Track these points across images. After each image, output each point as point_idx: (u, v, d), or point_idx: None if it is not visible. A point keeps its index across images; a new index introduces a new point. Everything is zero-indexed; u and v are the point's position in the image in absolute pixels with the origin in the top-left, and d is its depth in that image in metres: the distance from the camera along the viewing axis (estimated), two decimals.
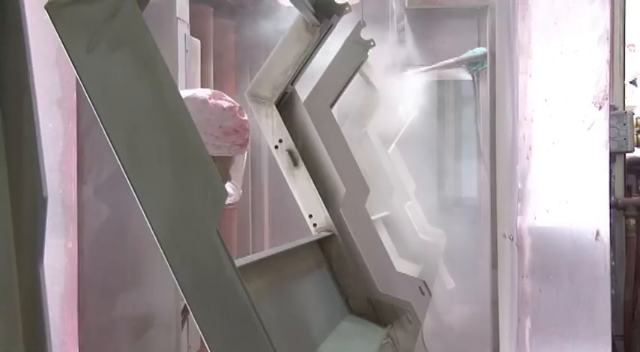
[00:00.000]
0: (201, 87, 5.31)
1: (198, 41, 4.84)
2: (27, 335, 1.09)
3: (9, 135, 1.12)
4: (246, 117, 3.18)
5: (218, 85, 6.13)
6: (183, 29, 4.13)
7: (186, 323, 3.26)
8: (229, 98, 3.19)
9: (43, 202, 1.12)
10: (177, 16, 3.45)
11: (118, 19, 1.32)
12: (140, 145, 1.38)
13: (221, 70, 6.22)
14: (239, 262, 2.17)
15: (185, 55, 4.34)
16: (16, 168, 1.12)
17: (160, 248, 1.39)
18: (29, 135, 1.12)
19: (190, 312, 1.40)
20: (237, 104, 3.15)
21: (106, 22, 1.32)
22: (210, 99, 3.02)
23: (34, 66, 1.20)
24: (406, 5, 7.43)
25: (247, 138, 3.14)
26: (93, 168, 2.35)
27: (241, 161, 3.33)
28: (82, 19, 1.34)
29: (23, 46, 1.13)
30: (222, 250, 1.40)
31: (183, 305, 3.07)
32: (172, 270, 1.37)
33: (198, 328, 1.39)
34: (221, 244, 1.39)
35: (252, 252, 6.19)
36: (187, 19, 4.26)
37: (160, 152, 1.38)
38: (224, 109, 2.99)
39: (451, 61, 6.94)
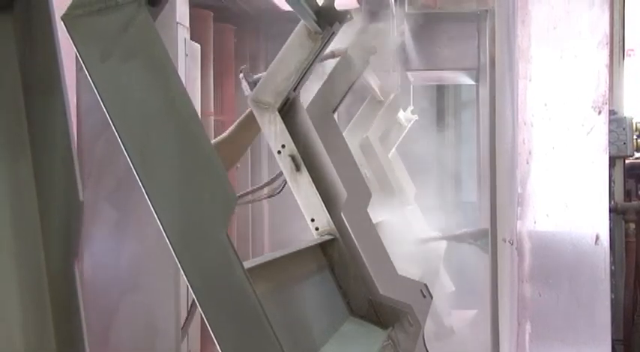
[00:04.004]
0: (201, 91, 5.32)
1: (198, 46, 4.84)
2: (59, 332, 1.12)
3: (41, 140, 1.15)
4: None
5: (218, 89, 6.15)
6: (183, 34, 4.13)
7: (187, 325, 3.27)
8: None
9: (78, 206, 1.14)
10: (177, 20, 3.46)
11: (131, 30, 1.37)
12: (152, 150, 1.42)
13: (221, 75, 6.24)
14: (244, 265, 2.19)
15: (185, 60, 4.34)
16: (49, 172, 1.15)
17: (171, 249, 1.42)
18: (62, 140, 1.15)
19: (201, 312, 1.43)
20: None
21: (119, 32, 1.36)
22: None
23: None
24: (406, 10, 7.44)
25: None
26: (93, 173, 2.37)
27: None
28: (96, 30, 1.39)
29: (54, 47, 1.16)
30: (232, 252, 1.44)
31: (191, 303, 3.08)
32: (184, 271, 1.42)
33: (209, 327, 1.42)
34: (230, 246, 1.43)
35: (252, 257, 6.19)
36: (187, 24, 4.27)
37: (171, 157, 1.43)
38: None
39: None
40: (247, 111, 3.10)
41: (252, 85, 3.62)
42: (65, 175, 1.16)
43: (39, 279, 1.12)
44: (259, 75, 3.74)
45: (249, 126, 3.12)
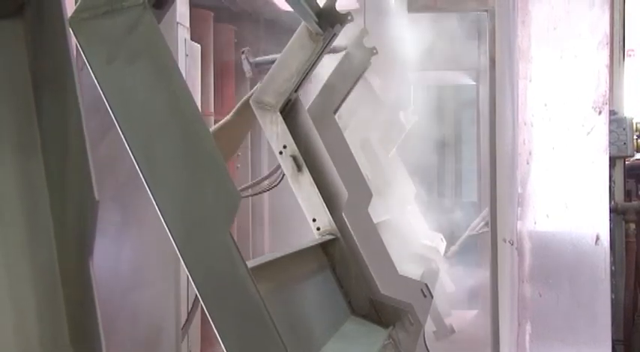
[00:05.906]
0: (202, 91, 5.33)
1: (199, 46, 4.86)
2: (73, 330, 1.12)
3: (54, 140, 1.16)
4: None
5: (218, 89, 6.15)
6: (183, 34, 4.14)
7: (187, 326, 3.27)
8: None
9: (93, 204, 1.15)
10: (178, 20, 3.47)
11: (136, 32, 1.39)
12: (157, 150, 1.44)
13: (221, 75, 6.24)
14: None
15: (185, 60, 4.35)
16: (63, 171, 1.16)
17: (175, 248, 1.44)
18: (76, 140, 1.16)
19: (205, 311, 1.45)
20: None
21: (125, 35, 1.38)
22: None
23: None
24: (407, 10, 7.43)
25: None
26: (94, 174, 2.37)
27: None
28: (102, 33, 1.41)
29: (66, 48, 1.17)
30: (235, 251, 1.45)
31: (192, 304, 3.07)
32: (188, 270, 1.43)
33: (213, 326, 1.43)
34: (234, 246, 1.44)
35: (253, 256, 6.20)
36: (187, 24, 4.28)
37: (175, 157, 1.45)
38: None
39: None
40: (244, 98, 3.08)
41: (253, 66, 3.64)
42: (79, 174, 1.17)
43: (52, 277, 1.13)
44: (261, 58, 3.78)
45: (247, 113, 3.06)
